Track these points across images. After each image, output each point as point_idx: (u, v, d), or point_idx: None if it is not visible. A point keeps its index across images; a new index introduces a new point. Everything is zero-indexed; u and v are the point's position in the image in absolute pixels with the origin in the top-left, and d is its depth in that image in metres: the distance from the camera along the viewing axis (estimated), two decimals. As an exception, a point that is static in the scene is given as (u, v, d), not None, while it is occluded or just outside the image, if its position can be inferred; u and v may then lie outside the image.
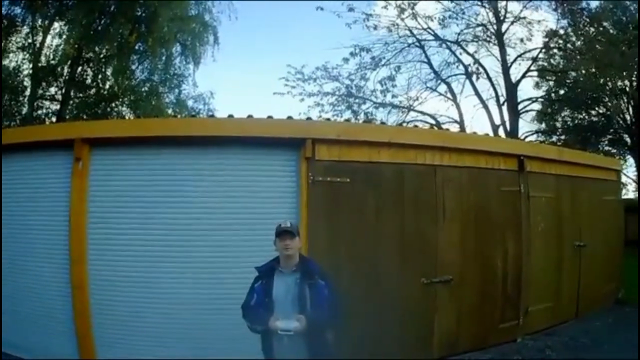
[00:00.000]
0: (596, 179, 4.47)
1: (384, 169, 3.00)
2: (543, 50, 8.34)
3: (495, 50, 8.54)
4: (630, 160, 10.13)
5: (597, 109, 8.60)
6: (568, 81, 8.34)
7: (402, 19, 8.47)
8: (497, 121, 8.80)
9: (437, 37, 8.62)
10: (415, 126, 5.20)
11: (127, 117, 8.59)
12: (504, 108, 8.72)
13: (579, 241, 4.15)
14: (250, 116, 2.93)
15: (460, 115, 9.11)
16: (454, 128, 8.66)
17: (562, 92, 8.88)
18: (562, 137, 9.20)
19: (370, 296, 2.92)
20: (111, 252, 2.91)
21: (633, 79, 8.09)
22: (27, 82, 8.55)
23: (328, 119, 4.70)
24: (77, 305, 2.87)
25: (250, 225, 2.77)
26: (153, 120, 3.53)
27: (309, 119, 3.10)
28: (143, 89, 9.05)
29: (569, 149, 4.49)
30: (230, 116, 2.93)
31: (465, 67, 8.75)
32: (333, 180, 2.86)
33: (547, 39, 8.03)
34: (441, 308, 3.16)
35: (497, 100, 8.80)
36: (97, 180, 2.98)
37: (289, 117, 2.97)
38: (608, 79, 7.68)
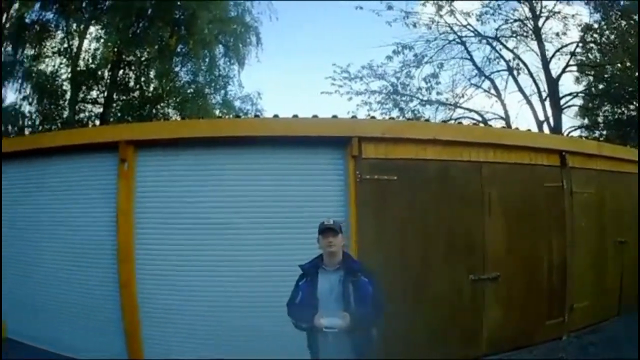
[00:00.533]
0: (636, 173, 4.36)
1: (430, 166, 2.98)
2: (580, 44, 8.19)
3: (534, 45, 8.38)
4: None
5: (635, 102, 8.38)
6: (606, 75, 8.18)
7: (441, 16, 8.41)
8: (541, 117, 8.62)
9: (477, 34, 8.53)
10: (460, 123, 5.14)
11: (172, 119, 8.60)
12: (547, 103, 8.54)
13: (620, 237, 4.05)
14: (295, 116, 2.93)
15: (506, 111, 9.00)
16: (500, 124, 8.49)
17: (601, 86, 8.71)
18: (604, 132, 9.00)
19: (419, 293, 2.91)
20: (158, 252, 2.94)
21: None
22: (66, 86, 8.67)
23: (373, 117, 4.66)
24: (125, 303, 2.92)
25: (299, 224, 2.75)
26: (198, 121, 3.56)
27: (354, 117, 3.09)
28: (188, 91, 9.02)
29: (608, 144, 4.40)
30: (276, 116, 2.94)
31: (507, 62, 8.62)
32: (380, 178, 2.85)
33: (582, 33, 7.92)
34: (489, 305, 3.11)
35: (540, 96, 8.62)
36: (144, 180, 3.02)
37: (334, 116, 2.96)
38: (643, 72, 7.52)
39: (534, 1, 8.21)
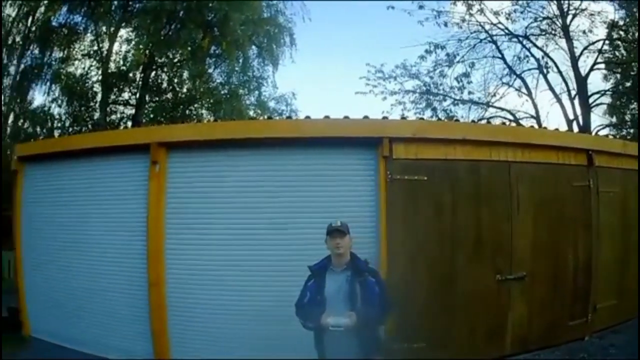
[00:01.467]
0: None
1: (459, 166, 2.95)
2: (607, 42, 8.06)
3: (562, 43, 8.29)
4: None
5: None
6: (632, 73, 8.05)
7: (472, 15, 8.38)
8: (571, 115, 8.54)
9: (508, 32, 8.45)
10: (489, 122, 5.11)
11: (206, 120, 8.62)
12: (576, 102, 8.44)
13: (643, 236, 4.01)
14: (327, 117, 2.93)
15: (536, 110, 8.89)
16: (531, 123, 8.42)
17: (628, 84, 8.61)
18: (631, 130, 8.88)
19: (445, 292, 2.90)
20: (189, 253, 2.93)
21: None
22: (97, 88, 8.73)
23: (404, 118, 4.68)
24: (154, 303, 2.93)
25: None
26: (230, 122, 3.58)
27: (385, 117, 3.10)
28: (222, 92, 9.00)
29: (633, 143, 4.35)
30: (308, 117, 2.96)
31: (537, 61, 8.52)
32: (410, 179, 2.85)
33: (608, 30, 7.77)
34: (514, 305, 3.08)
35: (569, 94, 8.52)
36: (175, 182, 3.02)
37: (365, 117, 2.97)
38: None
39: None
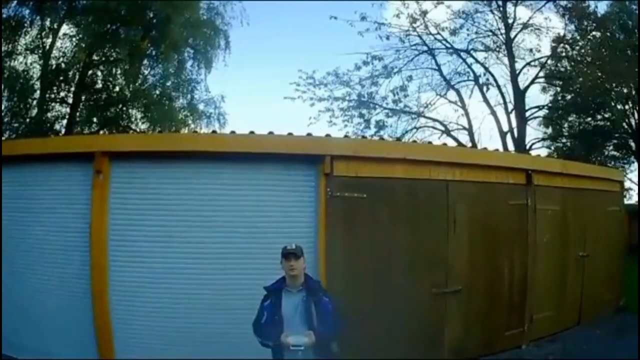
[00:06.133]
0: (599, 190, 4.77)
1: (398, 184, 3.24)
2: (550, 56, 8.69)
3: (504, 57, 8.92)
4: (635, 165, 10.51)
5: (602, 113, 9.00)
6: (576, 86, 8.63)
7: (415, 29, 8.88)
8: (505, 127, 9.21)
9: (448, 47, 9.00)
10: (430, 142, 5.51)
11: (138, 121, 8.79)
12: (512, 115, 9.12)
13: (582, 251, 4.48)
14: (271, 132, 3.17)
15: (469, 122, 9.46)
16: (463, 135, 9.13)
17: (568, 97, 9.30)
18: (568, 141, 9.62)
19: (384, 306, 3.16)
20: (131, 263, 3.05)
21: (640, 84, 8.44)
22: (36, 85, 8.60)
23: (346, 136, 4.99)
24: (98, 314, 3.03)
25: (272, 238, 2.86)
26: (175, 135, 3.72)
27: (327, 135, 3.37)
28: (154, 93, 9.17)
29: (573, 162, 4.83)
30: (252, 132, 3.18)
31: (474, 74, 9.11)
32: (350, 196, 3.11)
33: (554, 44, 8.45)
34: (451, 317, 3.42)
35: (506, 107, 9.16)
36: (118, 192, 3.13)
37: (309, 134, 3.23)
38: (614, 84, 8.06)
39: (507, 11, 8.65)
